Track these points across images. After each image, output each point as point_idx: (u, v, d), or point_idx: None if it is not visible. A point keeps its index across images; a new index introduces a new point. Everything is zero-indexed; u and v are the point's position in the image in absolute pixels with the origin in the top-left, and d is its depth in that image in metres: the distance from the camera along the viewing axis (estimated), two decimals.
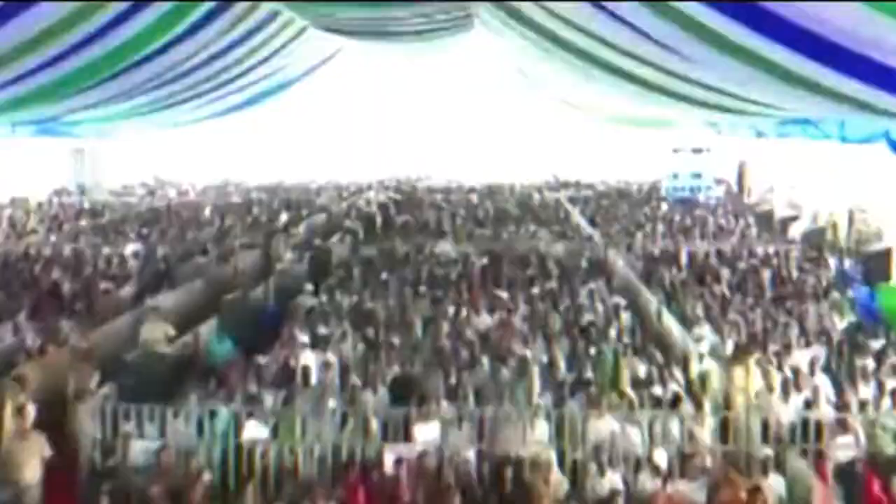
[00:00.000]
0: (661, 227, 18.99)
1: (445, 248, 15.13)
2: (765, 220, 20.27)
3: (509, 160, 33.94)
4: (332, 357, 8.30)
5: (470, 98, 35.97)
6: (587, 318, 10.40)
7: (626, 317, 10.69)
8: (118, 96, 20.22)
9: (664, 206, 22.46)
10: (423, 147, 35.84)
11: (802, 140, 19.12)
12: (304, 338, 8.33)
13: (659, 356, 8.77)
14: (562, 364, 8.47)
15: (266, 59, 23.97)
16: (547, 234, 17.58)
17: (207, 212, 20.84)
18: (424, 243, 15.80)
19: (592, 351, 8.90)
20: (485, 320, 10.44)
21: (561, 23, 11.44)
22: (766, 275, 13.02)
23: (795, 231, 17.53)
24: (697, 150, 25.55)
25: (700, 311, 10.89)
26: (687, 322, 10.45)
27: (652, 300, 11.83)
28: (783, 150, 22.42)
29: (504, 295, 11.53)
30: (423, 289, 11.66)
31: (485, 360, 8.45)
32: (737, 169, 23.75)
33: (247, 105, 30.29)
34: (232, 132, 33.44)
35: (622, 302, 11.18)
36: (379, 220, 19.75)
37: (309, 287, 11.53)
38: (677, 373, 8.28)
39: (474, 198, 24.73)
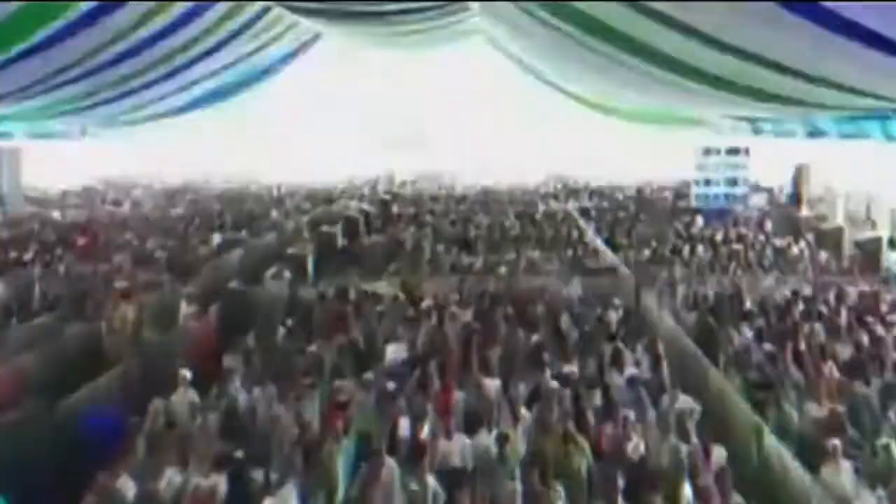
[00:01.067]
0: (702, 251, 14.66)
1: (382, 288, 10.91)
2: (831, 241, 15.97)
3: (508, 161, 29.77)
4: None
5: (466, 92, 31.93)
6: (634, 442, 6.10)
7: (697, 442, 6.32)
8: (34, 85, 16.52)
9: (699, 221, 18.13)
10: (412, 146, 31.69)
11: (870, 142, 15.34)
12: None
13: None
14: None
15: (222, 46, 20.03)
16: (557, 265, 13.27)
17: (128, 232, 16.54)
18: (390, 279, 11.55)
19: None
20: (460, 447, 6.14)
21: None
22: (889, 340, 8.71)
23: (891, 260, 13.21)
24: (734, 151, 21.38)
25: (820, 421, 6.63)
26: (808, 452, 6.16)
27: (726, 392, 7.52)
28: (838, 152, 18.34)
29: (495, 386, 7.24)
30: (368, 375, 7.35)
31: None
32: (793, 174, 19.39)
33: (208, 101, 26.49)
34: (202, 131, 29.84)
35: (689, 406, 6.83)
36: (340, 242, 15.50)
37: (186, 374, 7.23)
38: None
39: (465, 209, 20.44)
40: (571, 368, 7.46)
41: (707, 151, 21.12)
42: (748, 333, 9.29)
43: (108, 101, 19.54)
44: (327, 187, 26.80)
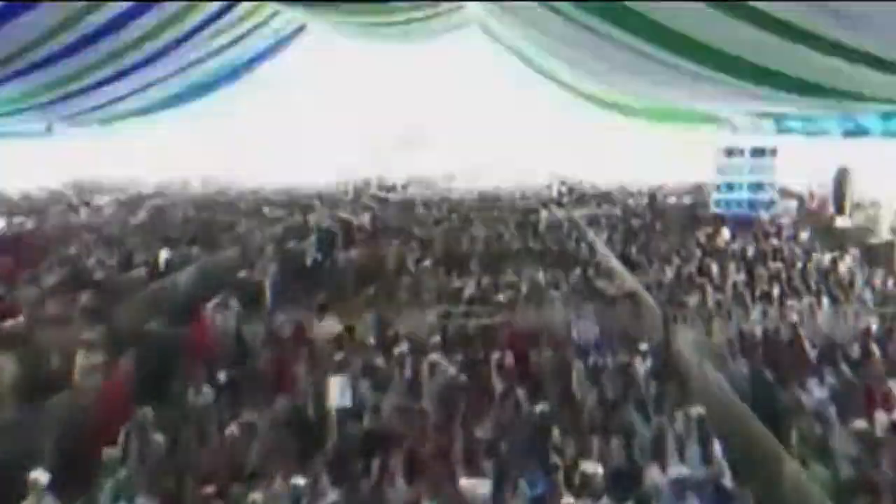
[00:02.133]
0: (734, 272, 12.39)
1: (331, 327, 8.73)
2: (881, 257, 13.73)
3: (507, 163, 27.54)
4: None
5: (462, 89, 29.72)
6: None
7: None
8: None
9: (725, 232, 15.88)
10: (404, 147, 29.49)
11: None
12: None
13: None
14: None
15: (184, 40, 17.97)
16: (566, 291, 11.01)
17: (74, 245, 14.33)
18: (352, 317, 9.31)
19: None
20: None
21: None
22: None
23: None
24: (759, 152, 19.16)
25: None
26: None
27: (812, 499, 5.30)
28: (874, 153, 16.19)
29: (482, 494, 5.03)
30: (298, 481, 5.12)
31: None
32: (834, 178, 17.13)
33: (181, 100, 24.43)
34: (182, 131, 27.87)
35: None
36: (311, 258, 13.30)
37: (39, 479, 5.02)
38: None
39: (459, 217, 18.19)
40: (595, 469, 5.19)
41: (730, 152, 18.92)
42: (817, 393, 7.08)
43: (51, 103, 17.40)
44: (309, 192, 24.56)
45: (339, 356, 7.66)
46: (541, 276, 11.95)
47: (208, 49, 19.97)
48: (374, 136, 29.57)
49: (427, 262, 12.77)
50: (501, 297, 10.26)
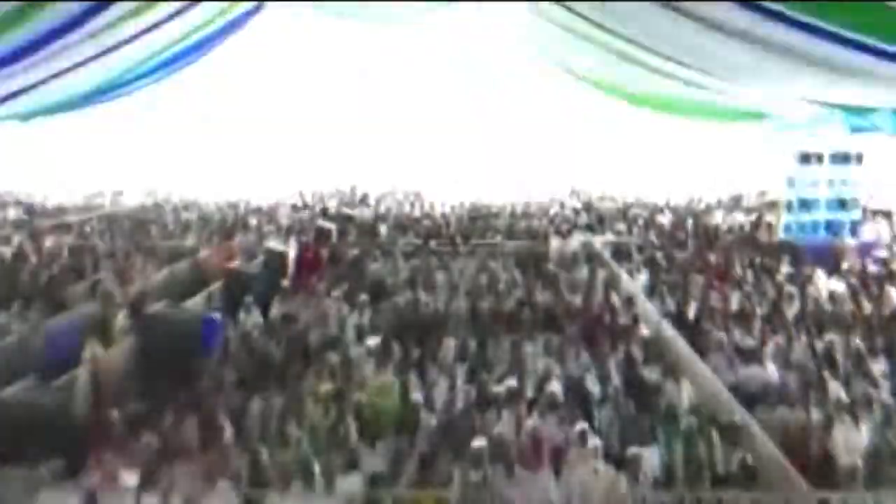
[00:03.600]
0: (869, 358, 7.53)
1: None
2: None
3: (506, 171, 22.67)
4: None
5: (452, 78, 24.97)
6: None
7: None
8: None
9: (822, 278, 10.93)
10: (383, 148, 24.66)
11: None
12: None
13: None
14: None
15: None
16: (608, 415, 6.13)
17: None
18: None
19: None
20: None
21: None
22: None
23: None
24: (843, 158, 14.34)
25: None
26: None
27: None
28: None
29: None
30: None
31: None
32: None
33: (116, 89, 19.67)
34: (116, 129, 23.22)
35: None
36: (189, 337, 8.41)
37: None
38: None
39: (440, 245, 13.29)
40: None
41: (805, 158, 14.09)
42: None
43: None
44: (262, 206, 19.77)
45: None
46: (555, 372, 7.11)
47: (124, 34, 15.28)
48: (346, 135, 24.82)
49: (372, 341, 7.91)
50: (482, 444, 5.38)
